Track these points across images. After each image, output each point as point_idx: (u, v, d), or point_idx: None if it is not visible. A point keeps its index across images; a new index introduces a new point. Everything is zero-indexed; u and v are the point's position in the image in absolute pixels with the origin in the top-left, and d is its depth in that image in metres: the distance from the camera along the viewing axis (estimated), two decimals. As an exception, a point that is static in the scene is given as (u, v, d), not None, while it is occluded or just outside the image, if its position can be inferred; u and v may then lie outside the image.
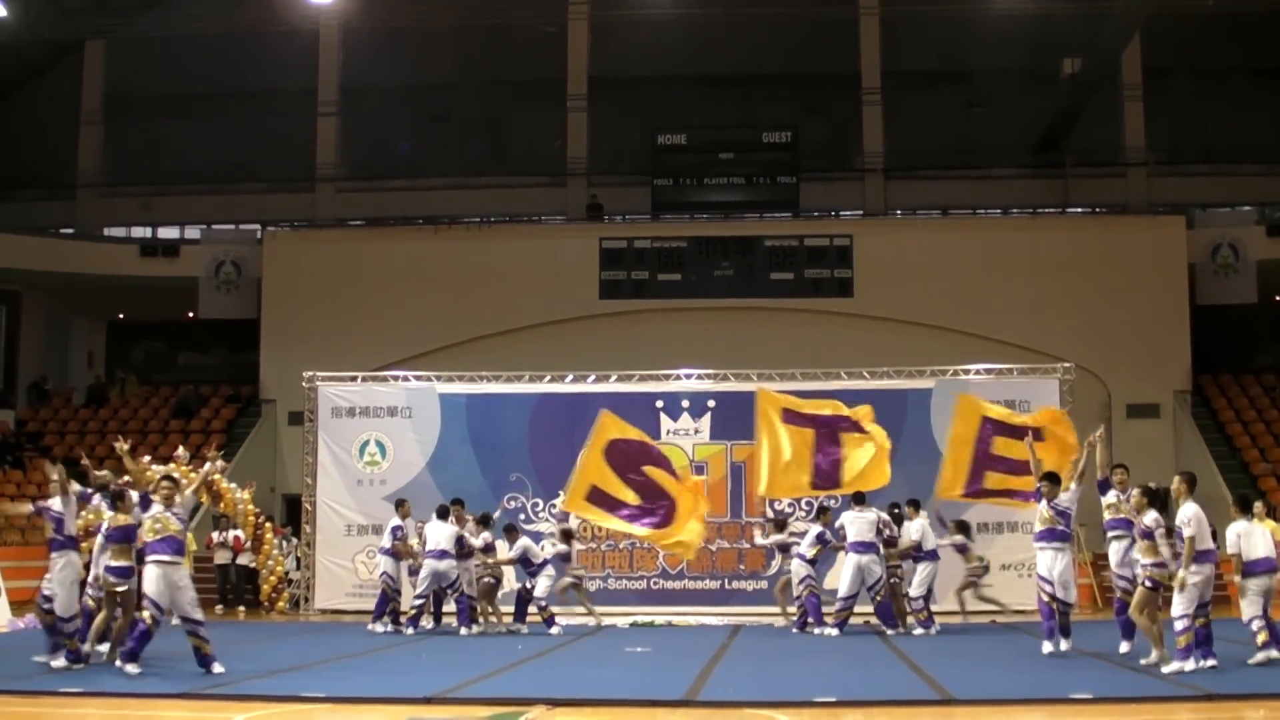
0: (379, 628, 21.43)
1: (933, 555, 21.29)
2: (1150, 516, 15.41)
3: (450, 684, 13.60)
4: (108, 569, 15.70)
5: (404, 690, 13.22)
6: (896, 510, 21.86)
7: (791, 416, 22.04)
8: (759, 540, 23.20)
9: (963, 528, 22.40)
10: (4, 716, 12.07)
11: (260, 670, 15.10)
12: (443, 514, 21.40)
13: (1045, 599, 16.98)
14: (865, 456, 21.62)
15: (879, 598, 20.83)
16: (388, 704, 12.48)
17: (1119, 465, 18.17)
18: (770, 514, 23.11)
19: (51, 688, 13.34)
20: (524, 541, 21.84)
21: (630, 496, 21.33)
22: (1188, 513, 14.91)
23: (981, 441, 20.89)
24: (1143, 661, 15.22)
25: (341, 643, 19.14)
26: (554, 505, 24.62)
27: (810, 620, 20.92)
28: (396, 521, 22.14)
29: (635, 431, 22.15)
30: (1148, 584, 15.28)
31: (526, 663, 16.15)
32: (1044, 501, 17.16)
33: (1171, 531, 15.48)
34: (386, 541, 22.14)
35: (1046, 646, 16.83)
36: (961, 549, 22.36)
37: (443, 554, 20.96)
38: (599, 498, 21.36)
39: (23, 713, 12.30)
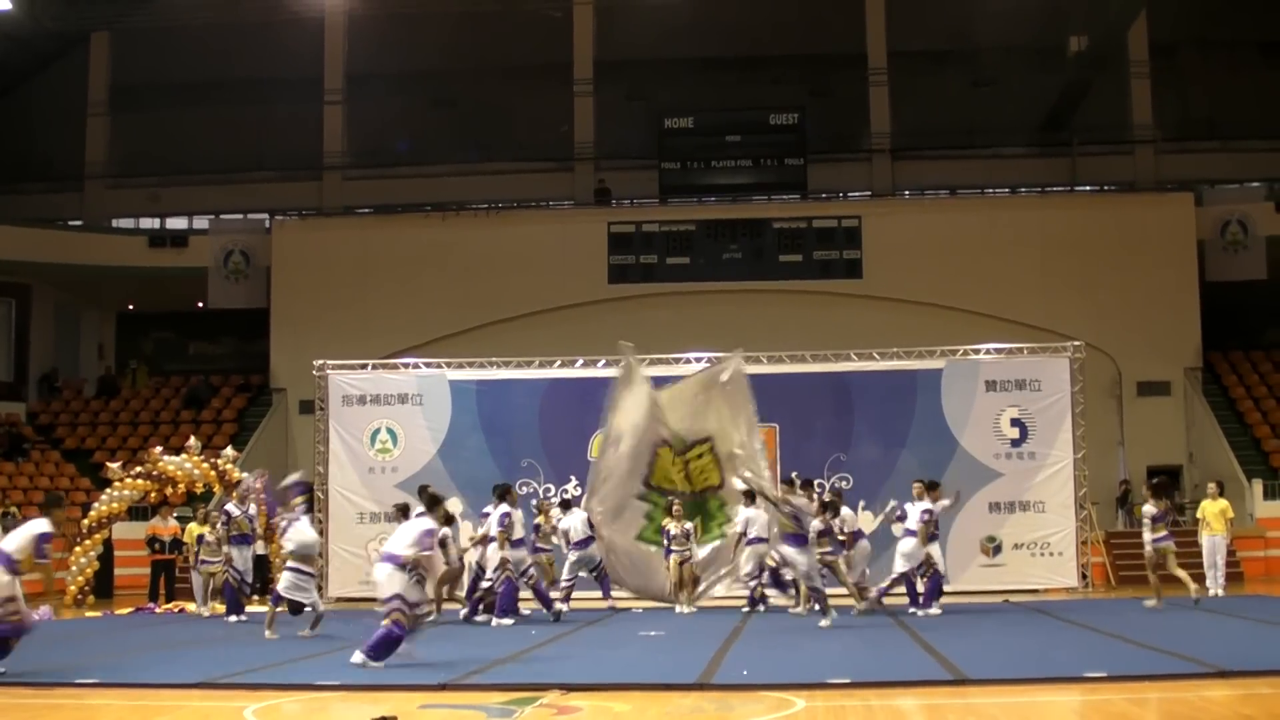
0: (507, 621, 20.00)
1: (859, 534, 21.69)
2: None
3: (464, 670, 13.60)
4: None
5: (418, 678, 13.19)
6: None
7: None
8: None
9: None
10: (21, 708, 12.10)
11: (273, 659, 15.13)
12: (565, 505, 22.59)
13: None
14: None
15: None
16: (401, 690, 12.45)
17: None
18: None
19: (66, 679, 13.36)
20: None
21: None
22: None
23: None
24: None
25: (355, 631, 19.12)
26: (565, 490, 24.65)
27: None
28: (505, 509, 20.30)
29: None
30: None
31: (540, 648, 16.15)
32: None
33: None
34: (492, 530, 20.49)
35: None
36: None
37: (587, 541, 21.93)
38: None
39: (39, 704, 12.32)
